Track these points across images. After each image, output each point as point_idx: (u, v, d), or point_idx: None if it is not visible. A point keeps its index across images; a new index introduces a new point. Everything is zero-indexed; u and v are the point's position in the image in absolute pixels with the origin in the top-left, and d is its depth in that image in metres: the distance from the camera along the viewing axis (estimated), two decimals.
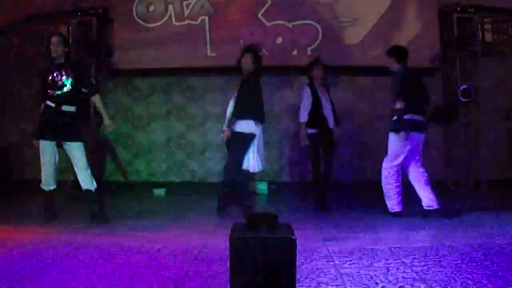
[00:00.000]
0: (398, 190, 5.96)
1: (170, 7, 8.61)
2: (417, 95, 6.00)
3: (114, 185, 8.62)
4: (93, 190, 5.67)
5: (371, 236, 4.86)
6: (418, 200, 6.05)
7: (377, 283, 3.24)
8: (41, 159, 5.71)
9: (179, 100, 8.79)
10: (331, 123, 6.73)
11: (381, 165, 6.10)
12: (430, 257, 3.91)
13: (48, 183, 5.74)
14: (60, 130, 5.56)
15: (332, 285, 3.22)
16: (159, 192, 8.18)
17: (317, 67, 6.78)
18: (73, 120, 5.69)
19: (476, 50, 8.20)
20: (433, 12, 8.51)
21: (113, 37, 8.70)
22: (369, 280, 3.30)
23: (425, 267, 3.60)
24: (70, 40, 8.17)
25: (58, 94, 5.54)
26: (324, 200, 6.59)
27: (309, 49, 8.42)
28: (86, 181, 5.66)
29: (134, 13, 8.65)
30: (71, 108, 5.66)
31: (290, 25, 8.49)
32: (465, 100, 8.05)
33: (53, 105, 5.55)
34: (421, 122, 5.95)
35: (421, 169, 6.01)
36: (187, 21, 8.60)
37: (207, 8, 8.58)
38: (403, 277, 3.36)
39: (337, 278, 3.35)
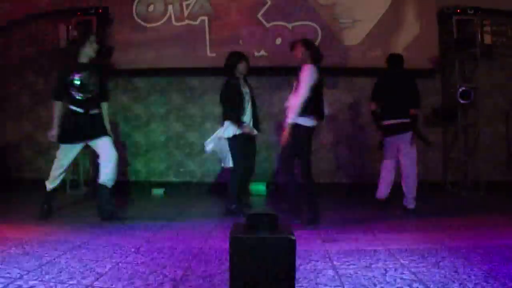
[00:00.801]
0: (383, 181, 6.49)
1: (170, 7, 8.61)
2: (396, 99, 6.39)
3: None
4: (109, 187, 5.67)
5: (370, 237, 4.87)
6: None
7: (375, 284, 3.25)
8: (58, 160, 5.75)
9: (178, 100, 8.79)
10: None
11: (380, 165, 6.42)
12: (428, 258, 3.92)
13: (54, 182, 5.76)
14: (89, 131, 5.63)
15: (331, 286, 3.22)
16: (158, 192, 8.18)
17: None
18: (99, 119, 5.74)
19: (475, 52, 8.20)
20: (433, 14, 8.51)
21: (113, 37, 8.70)
22: (367, 281, 3.31)
23: (423, 268, 3.61)
24: (69, 40, 8.19)
25: (87, 97, 5.55)
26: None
27: None
28: (108, 175, 5.65)
29: (134, 13, 8.64)
30: (97, 111, 5.73)
31: (289, 26, 8.49)
32: (464, 102, 8.06)
33: (81, 110, 5.58)
34: (397, 125, 6.34)
35: (401, 166, 6.38)
36: (186, 22, 8.59)
37: (206, 8, 8.58)
38: (401, 278, 3.37)
39: (335, 279, 3.36)
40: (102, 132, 5.69)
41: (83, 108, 5.56)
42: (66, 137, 5.64)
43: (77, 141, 5.69)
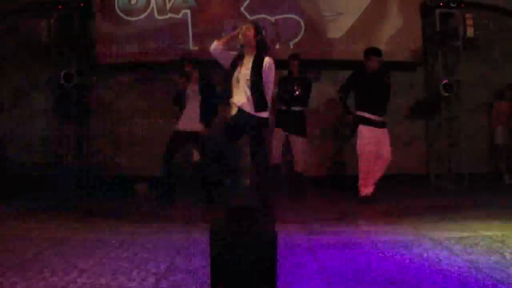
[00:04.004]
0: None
1: (152, 0, 8.54)
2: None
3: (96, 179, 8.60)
4: None
5: (354, 229, 4.89)
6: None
7: (359, 277, 3.25)
8: None
9: (161, 94, 8.72)
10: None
11: None
12: (412, 249, 3.93)
13: None
14: None
15: (315, 279, 3.22)
16: (141, 187, 8.11)
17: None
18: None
19: (458, 45, 8.25)
20: (416, 7, 8.54)
21: (95, 31, 8.62)
22: (352, 274, 3.31)
23: (407, 260, 3.62)
24: (51, 34, 8.09)
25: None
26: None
27: (291, 43, 8.42)
28: None
29: (116, 7, 8.55)
30: None
31: (272, 19, 8.47)
32: (447, 94, 8.10)
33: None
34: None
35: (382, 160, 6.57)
36: (169, 15, 8.53)
37: (189, 1, 8.52)
38: (385, 270, 3.38)
39: (319, 272, 3.36)
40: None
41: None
42: None
43: None
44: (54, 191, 7.51)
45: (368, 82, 6.50)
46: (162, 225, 5.16)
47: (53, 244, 4.15)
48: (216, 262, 2.44)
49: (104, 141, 8.87)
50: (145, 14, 8.54)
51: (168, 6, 8.52)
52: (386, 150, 6.47)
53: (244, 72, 5.23)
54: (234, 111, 5.25)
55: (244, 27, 5.29)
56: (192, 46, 8.42)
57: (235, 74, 5.27)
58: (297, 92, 7.12)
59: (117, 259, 3.69)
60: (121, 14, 8.54)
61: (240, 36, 5.26)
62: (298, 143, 7.19)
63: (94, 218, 5.48)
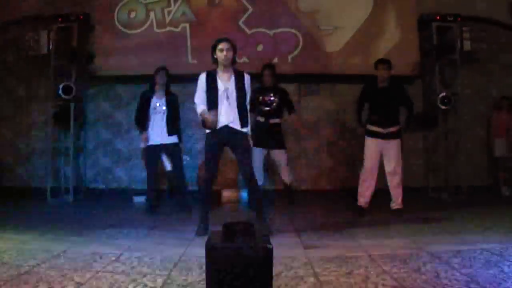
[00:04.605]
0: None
1: (152, 14, 8.60)
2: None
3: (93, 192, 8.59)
4: None
5: (351, 243, 4.86)
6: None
7: None
8: None
9: None
10: None
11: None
12: (410, 263, 3.92)
13: None
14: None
15: None
16: (139, 199, 8.10)
17: None
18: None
19: (455, 58, 8.29)
20: (413, 21, 8.59)
21: (94, 44, 8.66)
22: None
23: (405, 274, 3.61)
24: (51, 46, 8.14)
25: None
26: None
27: (290, 56, 8.45)
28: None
29: (116, 20, 8.61)
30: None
31: (271, 32, 8.51)
32: (445, 107, 8.12)
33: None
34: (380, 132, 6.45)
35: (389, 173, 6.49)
36: (168, 28, 8.59)
37: (188, 15, 8.58)
38: (382, 284, 3.37)
39: (316, 286, 3.35)
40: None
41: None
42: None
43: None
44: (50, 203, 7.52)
45: (376, 94, 6.51)
46: (159, 238, 5.14)
47: (49, 257, 4.13)
48: (213, 276, 2.43)
49: (102, 153, 8.87)
50: (144, 27, 8.61)
51: (167, 19, 8.58)
52: (393, 164, 6.41)
53: (230, 89, 5.32)
54: (217, 125, 5.29)
55: (224, 46, 5.25)
56: (191, 60, 8.46)
57: (220, 91, 5.31)
58: (274, 104, 7.16)
59: (114, 273, 3.68)
60: (120, 27, 8.60)
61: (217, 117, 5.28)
62: (280, 156, 7.27)
63: (91, 231, 5.46)
